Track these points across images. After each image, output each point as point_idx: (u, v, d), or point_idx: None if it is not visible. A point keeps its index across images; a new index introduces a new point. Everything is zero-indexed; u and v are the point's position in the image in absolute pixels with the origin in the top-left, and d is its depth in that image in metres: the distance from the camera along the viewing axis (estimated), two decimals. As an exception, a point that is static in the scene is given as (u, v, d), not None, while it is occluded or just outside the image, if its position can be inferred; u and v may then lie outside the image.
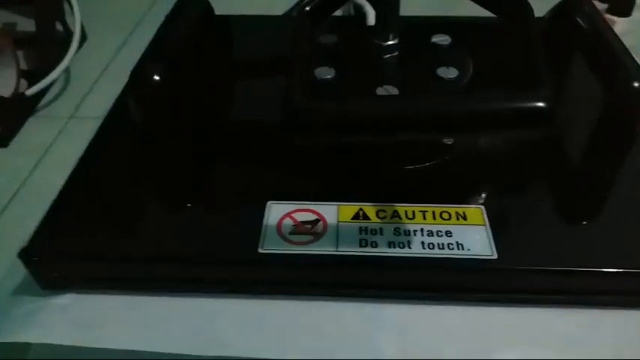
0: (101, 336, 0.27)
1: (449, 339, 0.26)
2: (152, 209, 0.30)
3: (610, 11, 0.72)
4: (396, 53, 0.33)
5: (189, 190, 0.31)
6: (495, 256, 0.27)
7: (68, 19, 0.61)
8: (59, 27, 0.60)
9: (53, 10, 0.59)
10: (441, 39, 0.34)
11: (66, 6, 0.61)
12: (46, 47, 0.57)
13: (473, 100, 0.24)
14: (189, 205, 0.31)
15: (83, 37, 0.63)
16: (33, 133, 0.53)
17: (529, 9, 0.27)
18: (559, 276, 0.27)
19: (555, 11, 0.39)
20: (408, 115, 0.24)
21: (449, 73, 0.31)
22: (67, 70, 0.60)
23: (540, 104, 0.22)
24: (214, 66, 0.41)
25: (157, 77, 0.29)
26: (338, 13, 0.35)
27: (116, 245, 0.28)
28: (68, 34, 0.59)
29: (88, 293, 0.28)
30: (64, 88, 0.59)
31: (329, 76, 0.31)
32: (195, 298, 0.28)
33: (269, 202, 0.29)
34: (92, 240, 0.28)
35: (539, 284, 0.27)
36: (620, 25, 0.64)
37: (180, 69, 0.32)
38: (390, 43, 0.32)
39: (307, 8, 0.29)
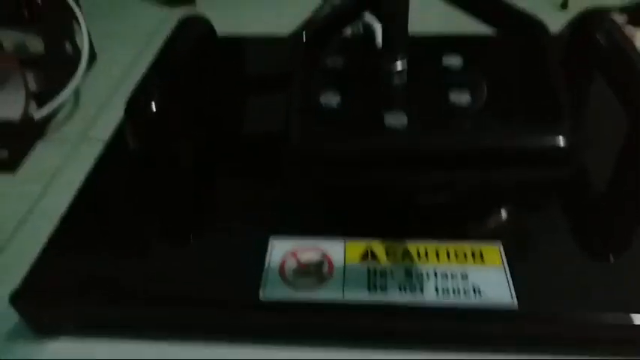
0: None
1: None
2: (147, 249, 0.29)
3: (629, 22, 0.69)
4: (405, 77, 0.31)
5: (188, 226, 0.30)
6: (515, 305, 0.25)
7: (77, 39, 0.60)
8: (68, 47, 0.59)
9: (62, 29, 0.58)
10: (453, 61, 0.32)
11: (75, 25, 0.60)
12: (54, 68, 0.56)
13: (487, 138, 0.22)
14: (187, 243, 0.29)
15: (93, 57, 0.62)
16: (42, 157, 0.52)
17: (545, 31, 0.25)
18: (589, 325, 0.24)
19: (572, 27, 0.36)
20: (417, 154, 0.22)
21: (461, 98, 0.29)
22: (76, 91, 0.59)
23: (560, 143, 0.20)
24: (216, 90, 0.39)
25: (153, 108, 0.28)
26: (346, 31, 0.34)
27: (110, 289, 0.27)
28: (77, 54, 0.59)
29: (82, 339, 0.27)
30: (73, 110, 0.58)
31: (334, 103, 0.29)
32: (192, 345, 0.26)
33: (271, 238, 0.28)
34: (85, 284, 0.27)
35: (565, 334, 0.25)
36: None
37: (180, 95, 0.31)
38: (399, 65, 0.30)
39: (308, 33, 0.27)
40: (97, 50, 0.62)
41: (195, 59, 0.34)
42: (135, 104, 0.29)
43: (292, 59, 0.25)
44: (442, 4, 0.31)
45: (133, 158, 0.30)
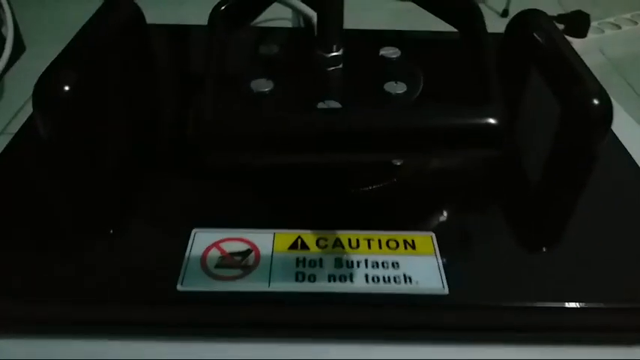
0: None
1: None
2: (60, 241, 0.26)
3: (566, 32, 0.73)
4: (341, 66, 0.30)
5: (104, 218, 0.28)
6: (446, 291, 0.24)
7: (3, 29, 0.57)
8: (-8, 36, 0.56)
9: (-15, 18, 0.55)
10: (390, 52, 0.31)
11: (2, 15, 0.56)
12: (-25, 58, 0.53)
13: (417, 114, 0.21)
14: (103, 235, 0.27)
15: (21, 48, 0.58)
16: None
17: (479, 16, 0.25)
18: (515, 312, 0.24)
19: (511, 25, 0.37)
20: (340, 131, 0.20)
21: (397, 88, 0.29)
22: (1, 83, 0.56)
23: (491, 121, 0.20)
24: (139, 77, 0.37)
25: (66, 87, 0.26)
26: (286, 24, 0.33)
27: (22, 287, 0.24)
28: (2, 45, 0.55)
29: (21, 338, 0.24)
30: (-5, 102, 0.55)
31: (266, 89, 0.28)
32: (111, 341, 0.24)
33: (195, 230, 0.26)
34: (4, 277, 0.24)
35: (493, 321, 0.24)
36: (576, 45, 0.64)
37: (97, 79, 0.28)
38: (334, 54, 0.30)
39: (222, 8, 0.25)
40: (26, 42, 0.58)
41: (117, 43, 0.32)
42: (45, 84, 0.26)
43: (208, 36, 0.23)
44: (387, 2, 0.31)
45: (43, 148, 0.28)
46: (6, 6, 0.54)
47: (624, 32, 0.73)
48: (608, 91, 0.29)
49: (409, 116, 0.21)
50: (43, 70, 0.28)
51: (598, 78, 0.29)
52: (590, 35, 0.71)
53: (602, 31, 0.72)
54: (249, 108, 0.26)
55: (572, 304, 0.24)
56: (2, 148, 0.51)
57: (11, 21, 0.54)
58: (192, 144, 0.20)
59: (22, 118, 0.52)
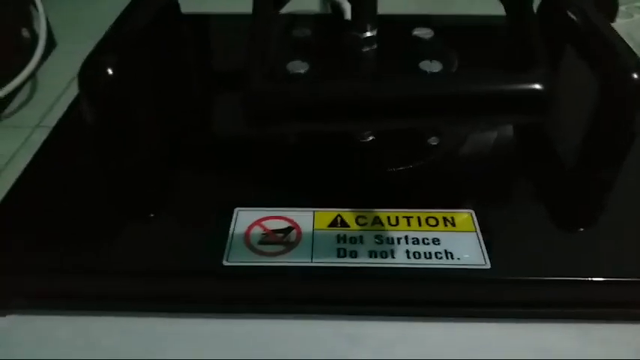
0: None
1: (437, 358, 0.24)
2: (103, 219, 0.27)
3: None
4: (375, 46, 0.30)
5: (148, 198, 0.28)
6: (488, 266, 0.24)
7: (35, 25, 0.58)
8: (25, 33, 0.57)
9: (18, 15, 0.56)
10: (424, 32, 0.31)
11: (33, 11, 0.58)
12: (10, 54, 0.54)
13: (460, 80, 0.21)
14: (146, 214, 0.27)
15: (52, 44, 0.60)
16: (-5, 142, 0.49)
17: None
18: (558, 286, 0.24)
19: (543, 5, 0.36)
20: (384, 98, 0.21)
21: (432, 66, 0.29)
22: (34, 78, 0.57)
23: (537, 86, 0.20)
24: (179, 64, 0.38)
25: (110, 71, 0.26)
26: (315, 10, 0.33)
27: (62, 259, 0.25)
28: (35, 40, 0.56)
29: (31, 314, 0.25)
30: (30, 97, 0.56)
31: (302, 70, 0.28)
32: (151, 317, 0.25)
33: (237, 209, 0.26)
34: (34, 254, 0.25)
35: (536, 296, 0.24)
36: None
37: (139, 63, 0.29)
38: (368, 34, 0.30)
39: None
40: (57, 37, 0.60)
41: (156, 30, 0.33)
42: (90, 67, 0.27)
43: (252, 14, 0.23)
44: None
45: (87, 130, 0.29)
46: (38, 3, 0.56)
47: (653, 17, 0.71)
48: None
49: (458, 82, 0.21)
50: (76, 64, 0.29)
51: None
52: (619, 20, 0.69)
53: (631, 16, 0.70)
54: (298, 82, 0.26)
55: (612, 279, 0.24)
56: (39, 141, 0.52)
57: (44, 18, 0.55)
58: (247, 111, 0.20)
59: (56, 111, 0.53)
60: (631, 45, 0.30)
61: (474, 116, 0.22)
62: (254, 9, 0.23)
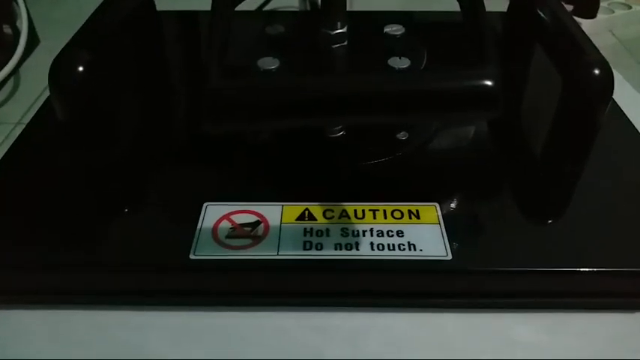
0: (18, 355, 0.24)
1: (403, 349, 0.24)
2: (72, 214, 0.27)
3: (575, 13, 0.72)
4: (346, 43, 0.31)
5: (117, 193, 0.29)
6: (449, 257, 0.25)
7: (18, 23, 0.58)
8: (8, 30, 0.57)
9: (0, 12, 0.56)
10: (394, 29, 0.32)
11: (16, 8, 0.58)
12: (-9, 51, 0.54)
13: (417, 78, 0.22)
14: (116, 208, 0.28)
15: (35, 41, 0.60)
16: (-25, 139, 0.49)
17: None
18: (518, 277, 0.25)
19: (514, 3, 0.37)
20: (343, 93, 0.21)
21: (401, 63, 0.29)
22: (16, 75, 0.57)
23: (487, 82, 0.20)
24: (153, 60, 0.38)
25: (80, 68, 0.27)
26: (293, 7, 0.33)
27: (30, 255, 0.25)
28: (17, 38, 0.56)
29: (4, 308, 0.25)
30: (12, 94, 0.56)
31: (272, 67, 0.29)
32: (122, 311, 0.25)
33: (206, 204, 0.27)
34: (6, 249, 0.25)
35: (497, 287, 0.25)
36: (585, 26, 0.64)
37: (109, 61, 0.29)
38: (339, 31, 0.30)
39: None
40: (40, 34, 0.60)
41: (128, 27, 0.33)
42: (61, 64, 0.27)
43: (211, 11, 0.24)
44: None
45: (59, 124, 0.29)
46: (20, 0, 0.56)
47: (635, 12, 0.72)
48: (618, 73, 0.29)
49: (409, 80, 0.22)
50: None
51: (608, 59, 0.29)
52: (600, 16, 0.70)
53: (612, 12, 0.71)
54: (257, 78, 0.27)
55: (570, 269, 0.25)
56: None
57: (25, 14, 0.55)
58: (204, 108, 0.21)
59: (38, 108, 0.53)
60: (612, 40, 0.30)
61: (428, 113, 0.22)
62: (212, 6, 0.23)
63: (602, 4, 0.71)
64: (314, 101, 0.21)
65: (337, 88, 0.21)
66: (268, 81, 0.23)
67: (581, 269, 0.25)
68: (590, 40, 0.30)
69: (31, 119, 0.34)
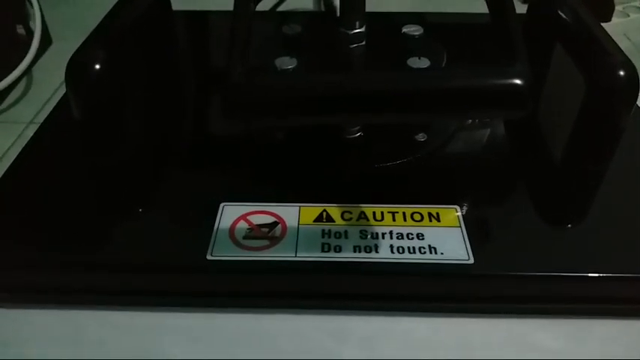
0: (26, 356, 0.24)
1: (422, 354, 0.24)
2: (89, 214, 0.27)
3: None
4: (364, 43, 0.30)
5: (134, 193, 0.28)
6: (472, 261, 0.24)
7: (31, 23, 0.58)
8: (21, 31, 0.58)
9: (13, 12, 0.56)
10: (413, 29, 0.32)
11: (30, 9, 0.58)
12: (5, 51, 0.54)
13: (441, 75, 0.21)
14: (133, 209, 0.28)
15: (48, 42, 0.60)
16: (-11, 139, 0.50)
17: None
18: (542, 282, 0.24)
19: (534, 4, 0.36)
20: (365, 91, 0.21)
21: (420, 63, 0.29)
22: (29, 75, 0.57)
23: (517, 81, 0.20)
24: (169, 60, 0.38)
25: (97, 66, 0.26)
26: (308, 8, 0.33)
27: (47, 253, 0.25)
28: (30, 38, 0.57)
29: (12, 307, 0.25)
30: (25, 93, 0.56)
31: (290, 67, 0.28)
32: (135, 312, 0.25)
33: (223, 204, 0.27)
34: (17, 247, 0.25)
35: (520, 291, 0.24)
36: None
37: (127, 59, 0.29)
38: (357, 31, 0.30)
39: None
40: (53, 35, 0.60)
41: (143, 26, 0.33)
42: (77, 63, 0.27)
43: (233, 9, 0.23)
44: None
45: (76, 123, 0.29)
46: (34, 0, 0.56)
47: (649, 16, 0.72)
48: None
49: (440, 77, 0.21)
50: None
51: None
52: (615, 19, 0.70)
53: (627, 15, 0.71)
54: (278, 74, 0.26)
55: (599, 275, 0.24)
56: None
57: (39, 15, 0.56)
58: (226, 105, 0.20)
59: (50, 108, 0.53)
60: (627, 44, 0.30)
61: (454, 111, 0.22)
62: (235, 4, 0.23)
63: (617, 7, 0.70)
64: (342, 98, 0.20)
65: (364, 85, 0.21)
66: (290, 76, 0.23)
67: (607, 275, 0.24)
68: (614, 41, 0.29)
69: (46, 118, 0.33)
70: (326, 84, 0.21)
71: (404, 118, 0.23)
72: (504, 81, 0.20)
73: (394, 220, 0.26)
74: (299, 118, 0.22)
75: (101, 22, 0.31)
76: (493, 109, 0.21)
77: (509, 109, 0.21)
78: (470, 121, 0.31)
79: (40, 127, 0.33)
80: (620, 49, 0.29)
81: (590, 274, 0.24)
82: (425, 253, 0.25)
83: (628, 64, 0.27)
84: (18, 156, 0.30)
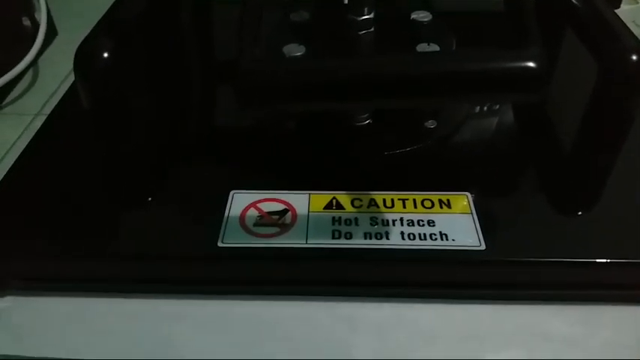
0: (43, 344, 0.24)
1: (431, 341, 0.24)
2: (99, 203, 0.27)
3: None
4: (373, 29, 0.30)
5: (144, 182, 0.29)
6: (483, 247, 0.24)
7: (37, 15, 0.58)
8: (27, 22, 0.57)
9: (19, 3, 0.56)
10: (421, 15, 0.31)
11: (35, 1, 0.58)
12: (11, 42, 0.54)
13: (455, 57, 0.21)
14: (143, 197, 0.28)
15: (53, 33, 0.60)
16: (-3, 130, 0.49)
17: None
18: (553, 268, 0.24)
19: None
20: (381, 74, 0.20)
21: (429, 49, 0.28)
22: (35, 67, 0.57)
23: (531, 64, 0.19)
24: (177, 49, 0.38)
25: (105, 54, 0.26)
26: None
27: (60, 242, 0.25)
28: (36, 30, 0.56)
29: (29, 296, 0.25)
30: (31, 85, 0.56)
31: (298, 54, 0.28)
32: (148, 299, 0.25)
33: (233, 192, 0.27)
34: (33, 237, 0.25)
35: (531, 278, 0.24)
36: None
37: (136, 48, 0.29)
38: (366, 17, 0.29)
39: None
40: (58, 26, 0.60)
41: (151, 15, 0.33)
42: (85, 51, 0.27)
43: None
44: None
45: (87, 111, 0.29)
46: (39, -8, 0.55)
47: (659, 3, 0.71)
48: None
49: (451, 60, 0.21)
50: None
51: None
52: (624, 6, 0.69)
53: (637, 2, 0.70)
54: (288, 60, 0.26)
55: (609, 260, 0.24)
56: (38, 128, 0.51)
57: (44, 7, 0.56)
58: (238, 91, 0.20)
59: (57, 99, 0.53)
60: (637, 31, 0.29)
61: (468, 95, 0.22)
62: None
63: (626, -6, 0.69)
64: (355, 82, 0.20)
65: (379, 68, 0.20)
66: (302, 61, 0.23)
67: (619, 260, 0.24)
68: (627, 26, 0.29)
69: (53, 110, 0.33)
70: (339, 68, 0.21)
71: (418, 102, 0.23)
72: (519, 64, 0.20)
73: (404, 207, 0.26)
74: (313, 103, 0.22)
75: (108, 11, 0.31)
76: (507, 92, 0.21)
77: (523, 92, 0.21)
78: (479, 107, 0.31)
79: (47, 118, 0.33)
80: (633, 34, 0.29)
81: (600, 260, 0.24)
82: (436, 239, 0.24)
83: (640, 49, 0.27)
84: (27, 147, 0.30)
